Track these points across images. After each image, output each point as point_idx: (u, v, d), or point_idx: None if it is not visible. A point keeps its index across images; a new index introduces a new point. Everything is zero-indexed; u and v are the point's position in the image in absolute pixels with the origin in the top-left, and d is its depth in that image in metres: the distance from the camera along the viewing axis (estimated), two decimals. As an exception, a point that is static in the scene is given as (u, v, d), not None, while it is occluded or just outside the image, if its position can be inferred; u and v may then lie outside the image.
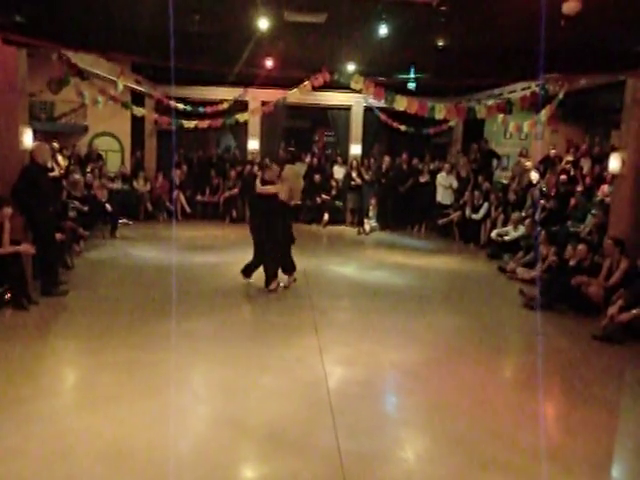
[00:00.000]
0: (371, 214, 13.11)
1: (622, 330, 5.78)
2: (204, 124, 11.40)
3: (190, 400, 4.15)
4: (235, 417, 3.87)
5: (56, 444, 3.38)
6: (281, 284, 7.30)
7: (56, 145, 10.37)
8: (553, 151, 11.48)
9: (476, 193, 11.66)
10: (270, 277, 7.19)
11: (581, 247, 7.26)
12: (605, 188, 8.80)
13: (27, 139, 6.72)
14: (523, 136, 12.39)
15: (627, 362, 5.53)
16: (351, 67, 10.54)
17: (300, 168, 7.93)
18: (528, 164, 11.44)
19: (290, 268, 7.40)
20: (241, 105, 13.14)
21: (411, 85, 11.23)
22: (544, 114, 8.25)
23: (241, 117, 11.64)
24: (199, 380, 4.58)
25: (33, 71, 7.14)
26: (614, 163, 7.43)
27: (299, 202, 7.44)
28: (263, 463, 3.42)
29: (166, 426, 3.68)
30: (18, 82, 6.55)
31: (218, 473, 3.20)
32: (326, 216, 13.39)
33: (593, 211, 8.53)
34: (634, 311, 5.73)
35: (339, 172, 14.15)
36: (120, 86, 10.05)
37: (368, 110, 14.23)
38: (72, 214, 8.90)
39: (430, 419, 4.05)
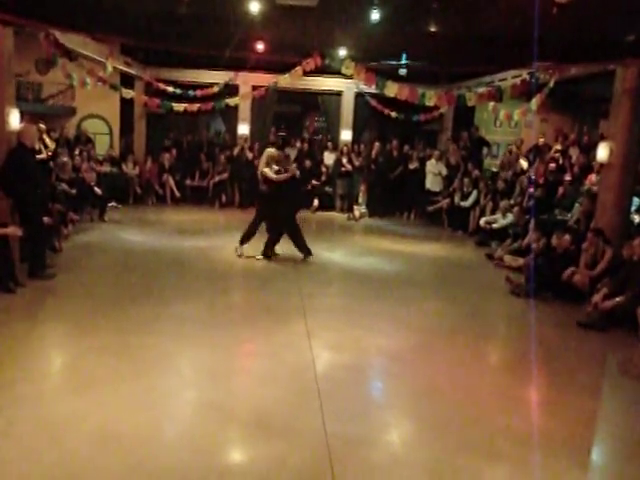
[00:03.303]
0: (361, 200, 13.13)
1: (605, 317, 5.87)
2: (194, 107, 11.30)
3: (177, 384, 4.17)
4: (222, 401, 3.90)
5: (42, 427, 3.39)
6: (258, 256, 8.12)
7: (43, 127, 10.24)
8: (542, 140, 11.53)
9: (465, 180, 11.70)
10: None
11: (566, 237, 7.31)
12: (593, 177, 8.87)
13: (14, 120, 6.64)
14: (513, 124, 12.41)
15: (609, 348, 5.63)
16: (342, 52, 10.46)
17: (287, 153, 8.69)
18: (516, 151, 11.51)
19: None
20: (232, 89, 13.04)
21: (402, 71, 11.19)
22: (534, 103, 8.27)
23: (231, 101, 11.56)
24: (186, 364, 4.59)
25: (20, 51, 7.05)
26: (602, 152, 7.48)
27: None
28: (250, 447, 3.45)
29: (153, 410, 3.70)
30: (4, 62, 6.45)
31: (205, 457, 3.22)
32: (316, 202, 13.38)
33: (580, 200, 8.60)
34: (617, 299, 5.82)
35: (329, 158, 14.13)
36: (109, 68, 9.93)
37: (359, 96, 14.18)
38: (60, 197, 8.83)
39: (416, 404, 4.10)
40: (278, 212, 8.04)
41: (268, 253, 8.17)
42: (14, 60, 6.73)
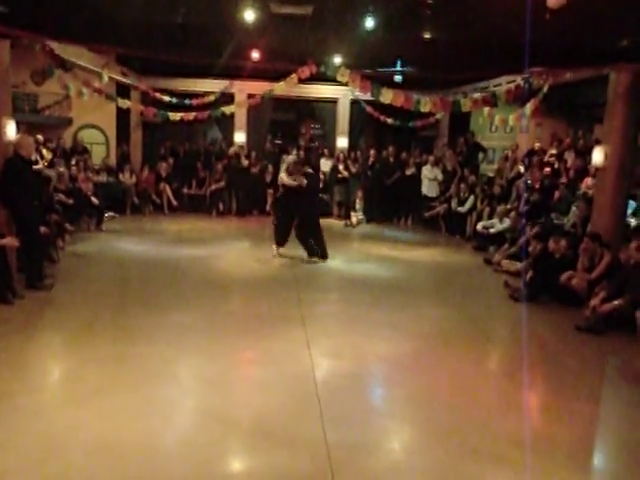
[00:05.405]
0: (358, 207, 13.16)
1: (604, 321, 5.88)
2: (190, 116, 11.33)
3: (177, 393, 4.15)
4: (222, 410, 3.89)
5: (41, 439, 3.37)
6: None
7: (41, 137, 10.25)
8: (537, 144, 11.58)
9: (462, 186, 11.74)
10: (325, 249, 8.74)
11: (562, 243, 7.31)
12: (588, 181, 8.90)
13: (10, 131, 6.64)
14: (508, 129, 12.47)
15: (608, 352, 5.63)
16: (337, 60, 10.52)
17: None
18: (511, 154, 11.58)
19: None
20: (227, 97, 13.08)
21: (397, 78, 11.24)
22: (529, 108, 8.31)
23: (227, 109, 11.59)
24: (186, 373, 4.58)
25: (16, 62, 7.04)
26: (597, 156, 7.51)
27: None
28: (250, 456, 3.44)
29: (153, 420, 3.69)
30: (1, 73, 6.46)
31: (205, 466, 3.21)
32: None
33: (576, 203, 8.63)
34: (615, 302, 5.83)
35: (326, 165, 14.16)
36: (105, 78, 9.95)
37: (355, 103, 14.23)
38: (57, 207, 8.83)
39: (416, 410, 4.10)
40: (296, 216, 8.54)
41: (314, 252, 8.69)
42: (10, 71, 6.74)
